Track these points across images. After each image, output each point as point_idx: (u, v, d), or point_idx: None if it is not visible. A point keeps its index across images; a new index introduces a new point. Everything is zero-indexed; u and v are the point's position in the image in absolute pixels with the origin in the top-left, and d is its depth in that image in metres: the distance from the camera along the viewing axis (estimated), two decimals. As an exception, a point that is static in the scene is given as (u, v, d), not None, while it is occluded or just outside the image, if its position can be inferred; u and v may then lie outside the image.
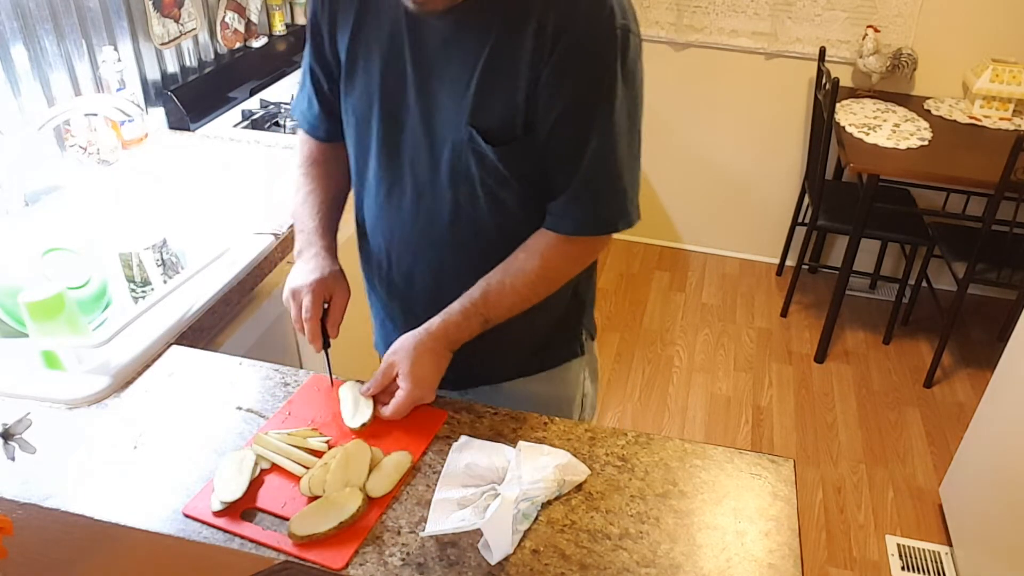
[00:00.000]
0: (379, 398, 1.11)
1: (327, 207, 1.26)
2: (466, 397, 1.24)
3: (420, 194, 1.14)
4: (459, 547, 0.92)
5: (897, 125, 2.84)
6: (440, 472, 1.00)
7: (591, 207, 1.08)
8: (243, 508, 0.95)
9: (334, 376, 1.16)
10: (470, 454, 1.01)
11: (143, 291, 1.52)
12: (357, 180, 1.23)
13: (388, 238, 1.21)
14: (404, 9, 1.04)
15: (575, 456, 1.03)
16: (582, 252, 1.15)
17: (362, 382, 1.15)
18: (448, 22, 1.02)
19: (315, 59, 1.20)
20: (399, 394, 1.09)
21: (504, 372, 1.29)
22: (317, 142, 1.29)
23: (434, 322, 1.13)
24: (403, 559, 0.90)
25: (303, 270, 1.17)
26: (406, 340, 1.12)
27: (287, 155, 1.92)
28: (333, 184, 1.28)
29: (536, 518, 0.96)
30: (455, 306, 1.12)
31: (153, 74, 2.06)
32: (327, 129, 1.27)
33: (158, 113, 2.08)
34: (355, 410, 1.09)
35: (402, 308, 1.25)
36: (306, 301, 1.13)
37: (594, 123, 1.03)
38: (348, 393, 1.13)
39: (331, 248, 1.22)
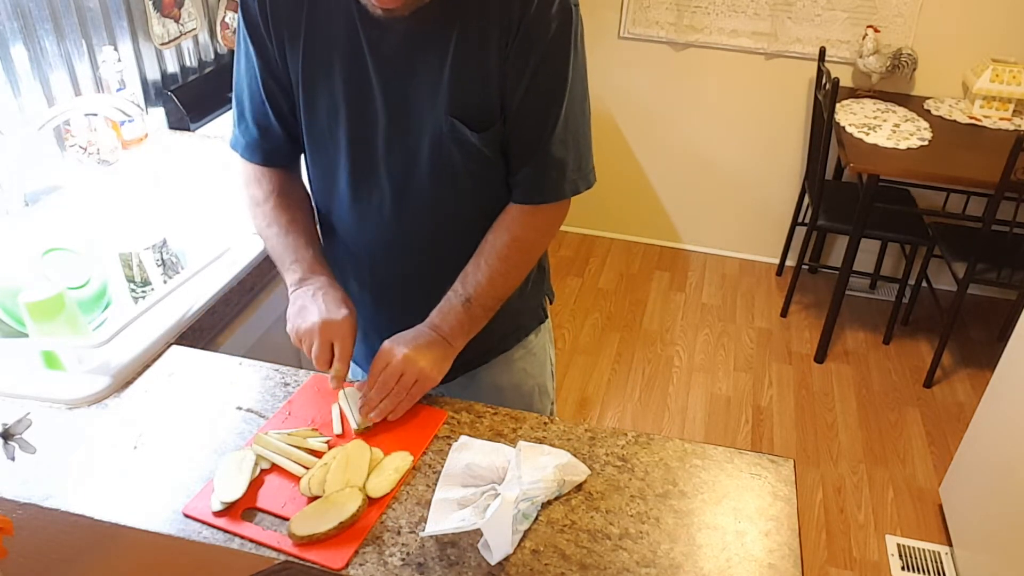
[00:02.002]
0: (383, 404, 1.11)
1: (314, 236, 1.22)
2: (439, 391, 1.24)
3: (399, 195, 1.14)
4: (459, 547, 0.92)
5: (897, 125, 2.84)
6: (440, 472, 1.00)
7: (556, 175, 1.13)
8: (243, 508, 0.95)
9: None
10: (470, 454, 1.01)
11: (143, 291, 1.52)
12: (325, 195, 1.21)
13: (369, 246, 1.21)
14: (359, 12, 1.04)
15: (575, 456, 1.03)
16: (548, 219, 1.18)
17: (362, 387, 1.15)
18: (408, 21, 1.02)
19: (271, 79, 1.15)
20: (392, 361, 1.09)
21: (486, 354, 1.32)
22: (273, 171, 1.22)
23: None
24: (403, 559, 0.90)
25: (321, 304, 1.11)
26: (399, 334, 1.14)
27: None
28: (308, 212, 1.24)
29: (536, 518, 0.96)
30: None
31: (153, 74, 2.06)
32: (288, 153, 1.22)
33: (158, 113, 2.08)
34: (356, 412, 1.09)
35: (390, 315, 1.24)
36: (342, 345, 1.09)
37: (556, 95, 1.08)
38: (347, 397, 1.13)
39: (334, 278, 1.18)
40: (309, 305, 1.11)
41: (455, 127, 1.07)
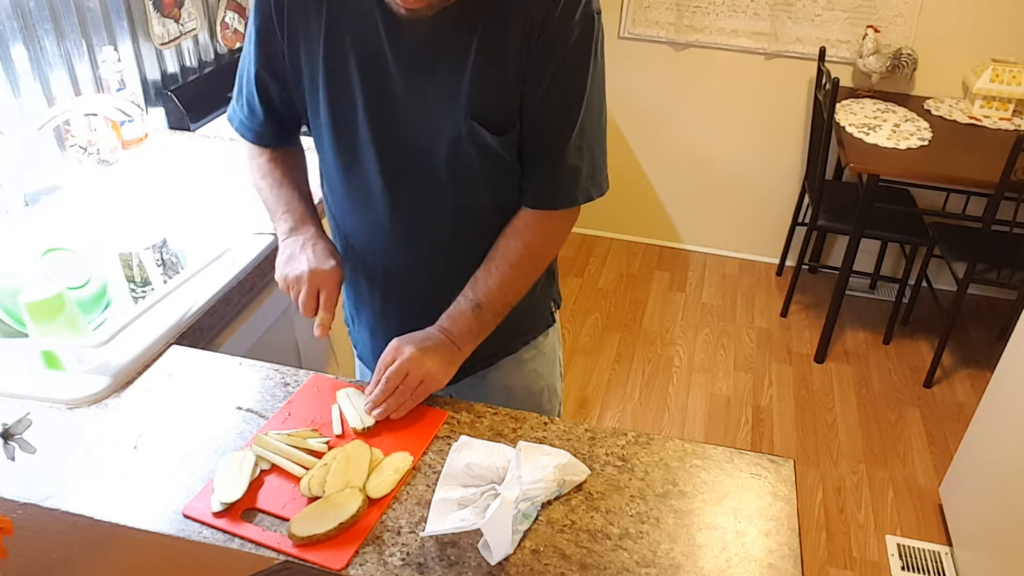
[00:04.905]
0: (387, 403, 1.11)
1: (307, 192, 1.25)
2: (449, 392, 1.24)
3: (417, 196, 1.14)
4: (459, 547, 0.92)
5: (897, 125, 2.84)
6: (440, 472, 1.00)
7: (570, 182, 1.13)
8: (243, 509, 0.95)
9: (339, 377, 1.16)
10: (470, 454, 1.01)
11: (143, 291, 1.51)
12: (339, 191, 1.21)
13: (384, 245, 1.21)
14: (381, 12, 1.04)
15: (575, 456, 1.03)
16: (560, 226, 1.18)
17: (362, 387, 1.15)
18: (430, 22, 1.02)
19: (264, 69, 1.16)
20: (399, 360, 1.09)
21: (494, 356, 1.32)
22: (265, 148, 1.26)
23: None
24: (403, 559, 0.90)
25: (311, 253, 1.13)
26: (408, 334, 1.14)
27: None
28: (302, 171, 1.27)
29: (536, 518, 0.96)
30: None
31: (153, 74, 2.06)
32: (274, 135, 1.25)
33: (158, 113, 2.08)
34: (356, 413, 1.09)
35: (400, 316, 1.24)
36: (329, 294, 1.11)
37: (574, 102, 1.08)
38: (347, 397, 1.13)
39: (323, 231, 1.21)
40: (298, 254, 1.14)
41: (474, 129, 1.07)
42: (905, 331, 3.22)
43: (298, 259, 1.13)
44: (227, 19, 2.31)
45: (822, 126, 2.88)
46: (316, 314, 1.12)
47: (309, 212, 1.22)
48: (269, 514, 0.95)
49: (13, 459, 1.02)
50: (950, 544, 2.26)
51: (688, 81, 3.38)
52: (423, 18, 1.00)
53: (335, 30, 1.07)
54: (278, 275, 1.15)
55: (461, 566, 0.90)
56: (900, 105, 3.02)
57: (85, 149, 1.79)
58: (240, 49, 2.39)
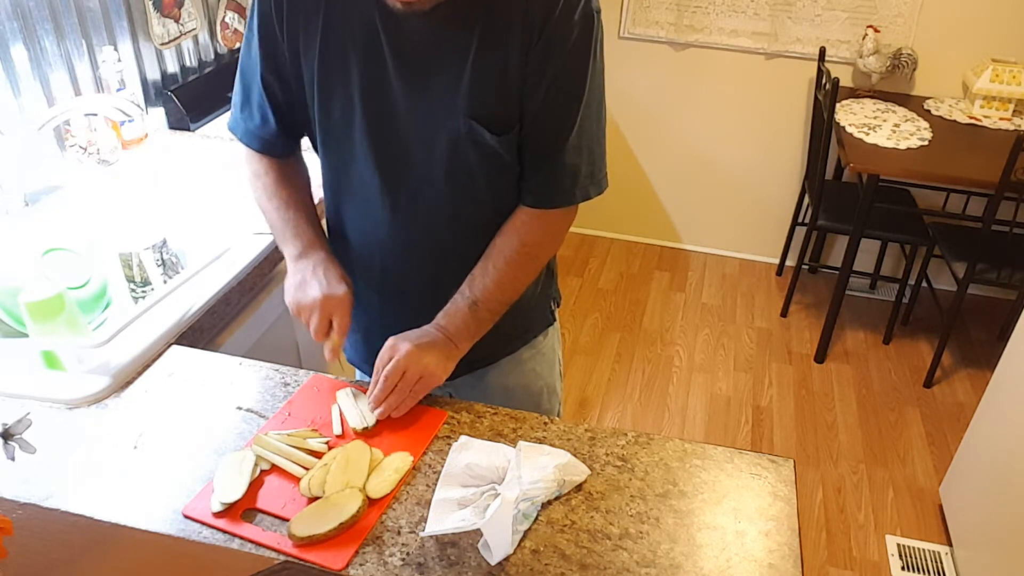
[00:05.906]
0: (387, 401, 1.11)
1: (313, 212, 1.24)
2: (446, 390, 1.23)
3: (414, 195, 1.14)
4: (459, 547, 0.92)
5: (897, 125, 2.84)
6: (440, 472, 1.00)
7: (569, 180, 1.12)
8: (243, 509, 0.95)
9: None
10: (470, 454, 1.01)
11: (143, 291, 1.51)
12: (337, 192, 1.21)
13: (381, 245, 1.20)
14: (380, 11, 1.03)
15: (575, 456, 1.03)
16: (558, 224, 1.18)
17: (362, 387, 1.15)
18: (430, 21, 1.01)
19: (269, 71, 1.14)
20: (396, 357, 1.09)
21: (493, 355, 1.32)
22: (270, 158, 1.24)
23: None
24: (403, 559, 0.90)
25: (322, 278, 1.12)
26: (405, 332, 1.14)
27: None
28: (307, 189, 1.26)
29: (536, 518, 0.96)
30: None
31: (153, 74, 2.06)
32: (283, 145, 1.23)
33: (158, 113, 2.08)
34: (356, 413, 1.09)
35: (397, 316, 1.24)
36: (341, 320, 1.11)
37: (573, 102, 1.08)
38: (347, 397, 1.13)
39: (332, 254, 1.19)
40: (309, 279, 1.13)
41: (473, 129, 1.07)
42: (905, 331, 3.22)
43: (310, 285, 1.13)
44: (227, 19, 2.31)
45: (822, 126, 2.88)
46: (327, 337, 1.11)
47: (317, 234, 1.20)
48: (269, 514, 0.95)
49: (13, 459, 1.02)
50: (950, 544, 2.26)
51: (688, 81, 3.38)
52: (421, 16, 0.99)
53: (334, 29, 1.07)
54: (289, 300, 1.14)
55: (461, 566, 0.90)
56: (900, 105, 3.02)
57: (85, 149, 1.79)
58: (240, 49, 2.39)
